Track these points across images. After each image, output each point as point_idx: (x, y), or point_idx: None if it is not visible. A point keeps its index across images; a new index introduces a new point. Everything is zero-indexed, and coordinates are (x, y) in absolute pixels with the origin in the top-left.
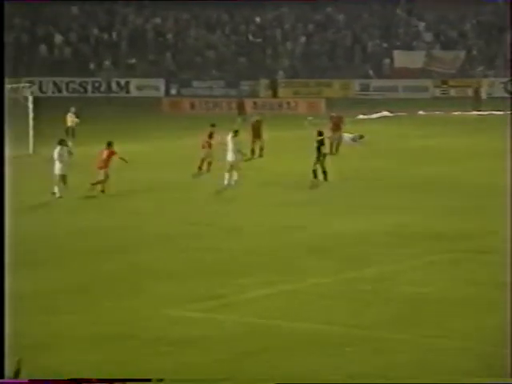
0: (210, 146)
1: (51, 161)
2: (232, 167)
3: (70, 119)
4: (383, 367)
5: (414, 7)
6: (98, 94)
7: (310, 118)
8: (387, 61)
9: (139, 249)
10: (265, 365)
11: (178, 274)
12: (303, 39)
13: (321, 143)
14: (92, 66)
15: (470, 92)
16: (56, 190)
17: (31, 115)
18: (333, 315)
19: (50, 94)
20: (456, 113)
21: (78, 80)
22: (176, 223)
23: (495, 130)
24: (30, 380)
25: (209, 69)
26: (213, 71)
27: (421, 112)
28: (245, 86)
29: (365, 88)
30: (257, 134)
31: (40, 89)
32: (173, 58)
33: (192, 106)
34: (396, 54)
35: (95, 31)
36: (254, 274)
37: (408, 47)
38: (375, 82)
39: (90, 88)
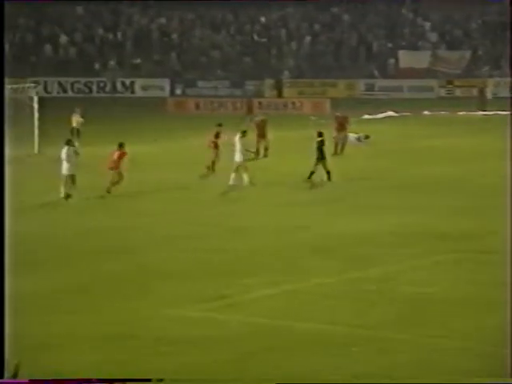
0: (216, 145)
1: (57, 161)
2: (239, 168)
3: (75, 119)
4: (387, 367)
5: (420, 7)
6: (103, 94)
7: (314, 117)
8: (392, 61)
9: (144, 249)
10: (269, 365)
11: (182, 275)
12: (308, 39)
13: (321, 144)
14: (97, 66)
15: (475, 92)
16: (62, 190)
17: (36, 115)
18: (337, 315)
19: (55, 94)
20: (461, 113)
21: (83, 80)
22: (181, 224)
23: (500, 131)
24: (30, 380)
25: (214, 69)
26: (218, 71)
27: (426, 112)
28: (250, 85)
29: (370, 88)
30: (261, 133)
31: (45, 89)
32: (178, 58)
33: (197, 106)
34: (401, 54)
35: (100, 31)
36: (258, 274)
37: (413, 47)
38: (380, 82)
39: (95, 88)
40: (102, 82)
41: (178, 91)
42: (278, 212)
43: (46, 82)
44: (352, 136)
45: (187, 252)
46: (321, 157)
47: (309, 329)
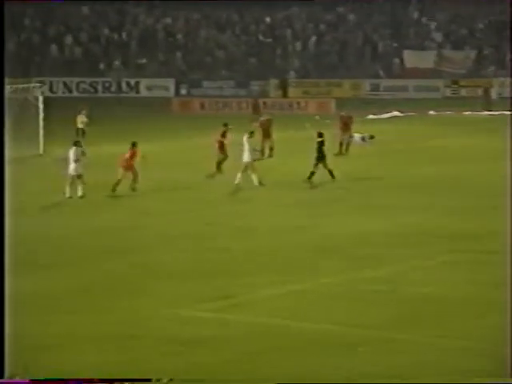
0: (222, 145)
1: (63, 161)
2: (247, 168)
3: (80, 120)
4: (390, 367)
5: (425, 7)
6: (108, 94)
7: (317, 117)
8: (398, 61)
9: (148, 249)
10: (273, 365)
11: (186, 274)
12: (313, 39)
13: (321, 144)
14: (102, 66)
15: (480, 92)
16: (67, 190)
17: (41, 115)
18: (340, 315)
19: (60, 94)
20: (467, 113)
21: (88, 80)
22: (186, 223)
23: (506, 131)
24: (30, 380)
25: (219, 69)
26: (223, 71)
27: (431, 112)
28: (255, 86)
29: (375, 88)
30: (266, 133)
31: (50, 89)
32: (183, 58)
33: (202, 106)
34: (406, 53)
35: (106, 31)
36: (264, 274)
37: (419, 47)
38: (385, 82)
39: (100, 88)
40: (107, 82)
41: (183, 91)
42: (282, 212)
43: (51, 82)
44: (357, 136)
45: (192, 252)
46: (320, 157)
47: (314, 329)
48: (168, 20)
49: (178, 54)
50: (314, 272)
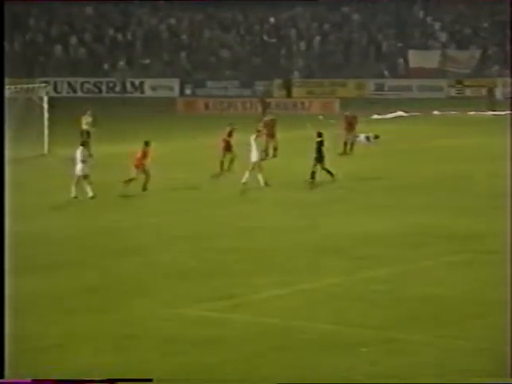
0: (228, 144)
1: (68, 161)
2: (254, 167)
3: (85, 121)
4: (393, 367)
5: (430, 7)
6: (112, 95)
7: (321, 116)
8: (402, 60)
9: (154, 249)
10: (277, 365)
11: (191, 274)
12: (318, 39)
13: (320, 144)
14: (106, 66)
15: (484, 92)
16: (73, 190)
17: (46, 115)
18: (346, 315)
19: (64, 94)
20: (471, 113)
21: (92, 80)
22: (191, 223)
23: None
24: (32, 380)
25: (223, 69)
26: (227, 71)
27: (436, 112)
28: (259, 86)
29: (379, 88)
30: (271, 133)
31: (55, 89)
32: (187, 58)
33: (206, 106)
34: (411, 53)
35: (110, 31)
36: (269, 274)
37: (423, 47)
38: (390, 82)
39: (104, 88)
40: (111, 82)
41: (188, 91)
42: (287, 212)
43: (55, 82)
44: (362, 136)
45: (197, 252)
46: (319, 157)
47: (318, 329)
48: (172, 20)
49: (183, 54)
50: (315, 272)
